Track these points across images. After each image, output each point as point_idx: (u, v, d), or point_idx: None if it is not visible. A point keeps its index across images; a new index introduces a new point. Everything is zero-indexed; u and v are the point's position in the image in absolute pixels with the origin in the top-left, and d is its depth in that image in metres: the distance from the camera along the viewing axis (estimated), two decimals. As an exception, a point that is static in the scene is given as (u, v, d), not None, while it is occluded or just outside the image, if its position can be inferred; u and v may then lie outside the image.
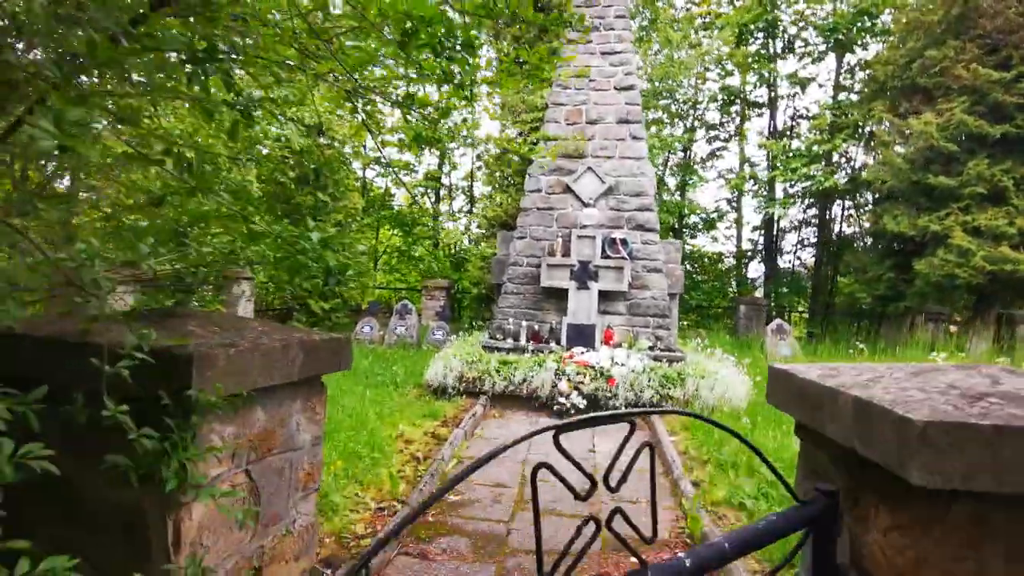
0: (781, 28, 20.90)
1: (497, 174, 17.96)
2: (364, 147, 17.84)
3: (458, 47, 1.68)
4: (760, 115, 22.80)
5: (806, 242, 22.96)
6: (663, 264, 9.56)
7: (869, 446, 1.24)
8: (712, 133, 22.86)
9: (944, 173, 13.11)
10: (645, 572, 0.97)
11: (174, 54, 1.40)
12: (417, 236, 21.44)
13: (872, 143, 18.17)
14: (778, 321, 14.06)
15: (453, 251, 20.77)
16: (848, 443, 1.33)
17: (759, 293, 21.19)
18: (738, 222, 23.27)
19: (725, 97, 21.81)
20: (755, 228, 23.38)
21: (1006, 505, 1.09)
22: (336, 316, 15.06)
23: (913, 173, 13.66)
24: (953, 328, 14.49)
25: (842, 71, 20.81)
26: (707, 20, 19.71)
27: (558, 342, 9.11)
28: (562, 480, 0.95)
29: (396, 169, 19.18)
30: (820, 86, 23.21)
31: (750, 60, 21.01)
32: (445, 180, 23.04)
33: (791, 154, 18.86)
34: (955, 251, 12.43)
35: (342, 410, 6.65)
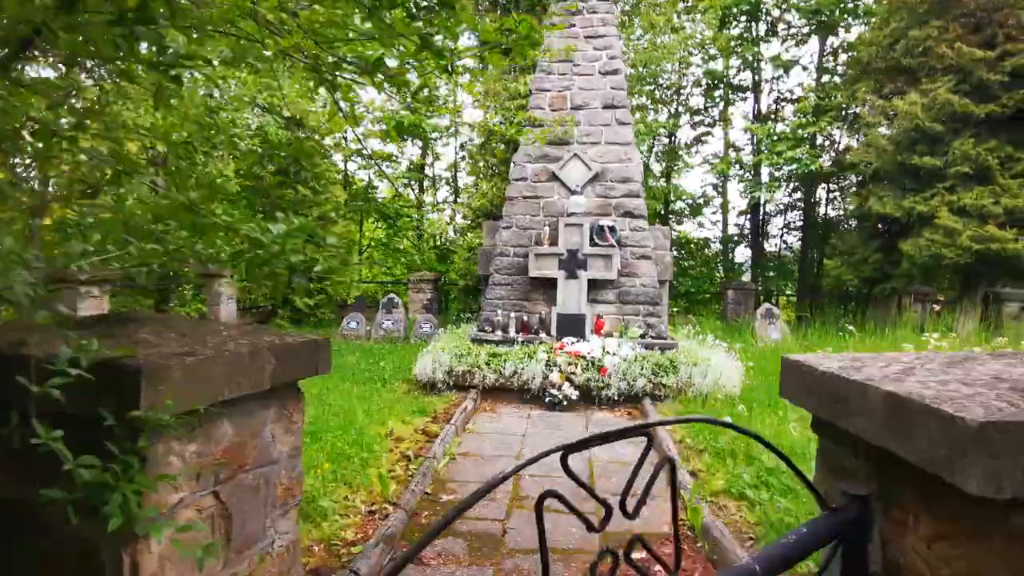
0: (764, 11, 20.79)
1: (481, 163, 17.73)
2: (345, 139, 17.54)
3: (435, 4, 1.51)
4: (744, 99, 22.75)
5: (792, 225, 23.00)
6: (652, 251, 9.44)
7: (909, 448, 1.11)
8: (697, 118, 22.76)
9: (929, 153, 13.09)
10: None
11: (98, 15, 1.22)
12: (400, 229, 21.19)
13: (856, 125, 18.16)
14: (767, 305, 14.05)
15: (438, 242, 20.54)
16: (880, 442, 1.19)
17: (746, 277, 21.20)
18: (724, 207, 23.24)
19: (709, 81, 21.71)
20: (741, 212, 23.38)
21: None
22: (321, 312, 14.85)
23: (898, 154, 13.63)
24: (936, 307, 14.57)
25: (825, 53, 20.77)
26: (689, 4, 19.52)
27: (548, 333, 8.98)
28: (573, 509, 0.80)
29: (379, 161, 18.89)
30: (804, 68, 23.17)
31: (733, 44, 20.89)
32: (428, 171, 22.75)
33: (777, 137, 18.80)
34: (941, 231, 12.43)
35: (329, 409, 6.48)
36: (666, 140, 22.51)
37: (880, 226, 15.82)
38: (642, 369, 7.78)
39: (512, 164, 10.07)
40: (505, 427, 6.78)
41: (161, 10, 1.23)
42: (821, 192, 21.51)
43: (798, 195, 21.90)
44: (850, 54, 18.46)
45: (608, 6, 10.01)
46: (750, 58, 21.08)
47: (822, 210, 21.68)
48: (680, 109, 22.24)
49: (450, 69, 1.76)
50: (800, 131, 18.30)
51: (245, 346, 1.58)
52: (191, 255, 1.46)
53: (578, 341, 8.40)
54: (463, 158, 21.29)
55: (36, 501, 1.31)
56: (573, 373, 7.71)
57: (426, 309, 15.90)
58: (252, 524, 1.69)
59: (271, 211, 13.38)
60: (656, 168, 21.50)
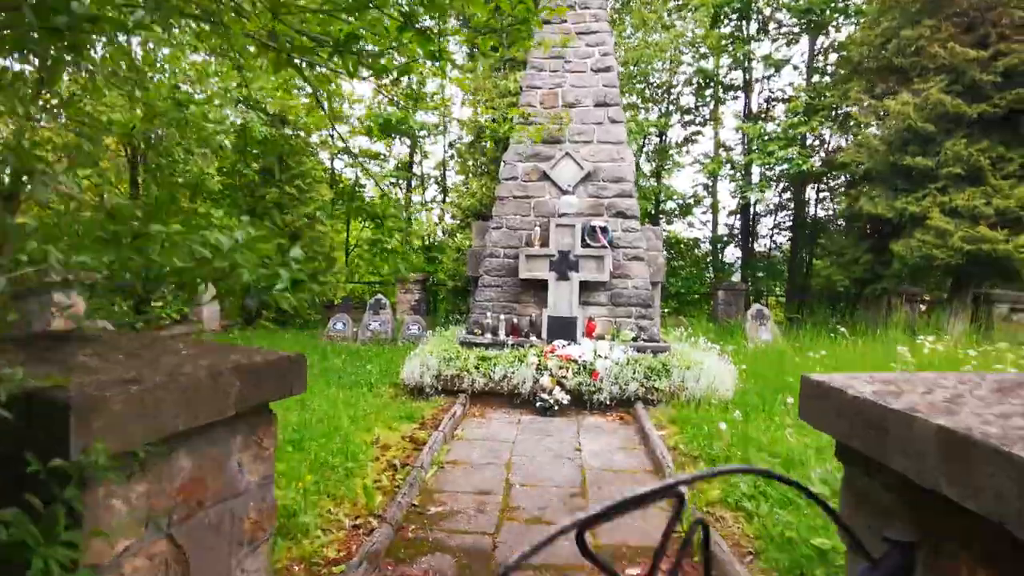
0: (755, 9, 20.71)
1: (470, 162, 17.52)
2: (332, 136, 17.25)
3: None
4: (735, 98, 22.64)
5: (782, 226, 22.96)
6: (644, 252, 9.29)
7: (966, 493, 0.95)
8: (687, 117, 22.63)
9: (921, 154, 13.05)
10: None
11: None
12: (389, 228, 20.90)
13: (847, 125, 18.13)
14: (757, 306, 13.95)
15: (427, 243, 20.29)
16: (930, 484, 1.03)
17: (736, 278, 21.14)
18: (714, 207, 23.16)
19: (700, 80, 21.59)
20: (731, 213, 23.30)
21: None
22: (307, 313, 14.59)
23: (890, 154, 13.58)
24: (923, 307, 14.54)
25: (816, 53, 20.73)
26: (681, 1, 19.40)
27: (539, 336, 8.80)
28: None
29: (364, 159, 18.60)
30: (795, 68, 23.08)
31: (724, 42, 20.81)
32: (416, 169, 22.46)
33: (768, 137, 18.73)
34: (933, 232, 12.39)
35: (313, 415, 6.26)
36: (656, 139, 22.39)
37: (870, 227, 15.79)
38: (634, 373, 7.63)
39: (502, 163, 9.87)
40: (495, 433, 6.60)
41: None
42: (810, 192, 21.49)
43: (787, 195, 21.86)
44: (841, 54, 18.43)
45: (601, 1, 9.83)
46: (741, 57, 21.00)
47: (811, 210, 21.66)
48: (671, 108, 22.13)
49: (437, 54, 1.56)
50: (791, 131, 18.24)
51: (205, 368, 1.39)
52: (116, 270, 1.25)
53: (569, 344, 8.23)
54: (452, 156, 21.03)
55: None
56: (564, 377, 7.54)
57: (414, 310, 15.68)
58: (215, 566, 1.50)
59: (260, 212, 13.12)
60: (646, 168, 21.37)
